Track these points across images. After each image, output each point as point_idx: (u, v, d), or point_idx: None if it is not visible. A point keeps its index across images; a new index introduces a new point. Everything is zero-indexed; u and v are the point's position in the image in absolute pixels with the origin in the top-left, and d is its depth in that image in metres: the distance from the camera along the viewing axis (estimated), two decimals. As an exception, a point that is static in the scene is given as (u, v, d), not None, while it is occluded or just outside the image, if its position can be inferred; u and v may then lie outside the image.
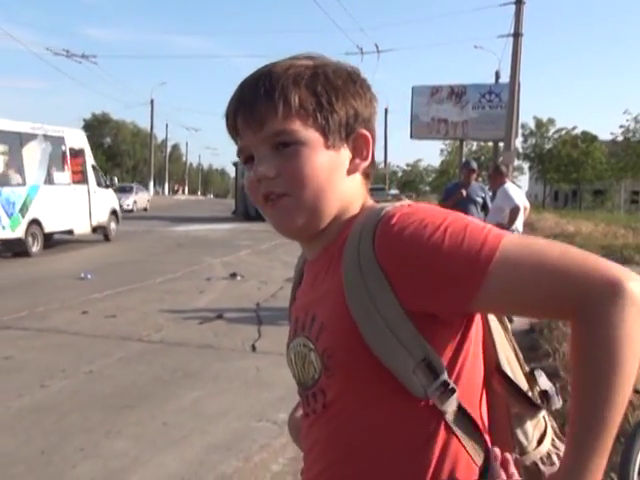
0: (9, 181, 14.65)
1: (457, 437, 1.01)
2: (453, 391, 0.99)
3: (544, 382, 1.10)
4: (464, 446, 1.01)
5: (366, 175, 1.12)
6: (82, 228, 17.48)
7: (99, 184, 18.56)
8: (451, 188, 8.89)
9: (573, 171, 53.45)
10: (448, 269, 0.92)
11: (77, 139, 18.02)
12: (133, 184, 41.28)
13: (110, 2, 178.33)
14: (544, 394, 1.09)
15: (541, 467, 1.07)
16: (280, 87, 1.02)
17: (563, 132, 55.41)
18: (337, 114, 1.05)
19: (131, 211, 32.28)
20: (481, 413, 1.06)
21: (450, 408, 1.00)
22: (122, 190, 30.25)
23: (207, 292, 10.15)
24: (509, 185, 8.33)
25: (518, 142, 47.54)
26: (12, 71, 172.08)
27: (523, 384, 1.09)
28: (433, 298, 0.95)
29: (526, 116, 57.75)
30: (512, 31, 22.99)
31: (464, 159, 31.09)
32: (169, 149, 76.33)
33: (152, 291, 10.20)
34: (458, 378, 1.01)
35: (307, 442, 1.13)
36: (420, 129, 35.63)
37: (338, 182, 1.06)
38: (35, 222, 15.03)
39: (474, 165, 8.69)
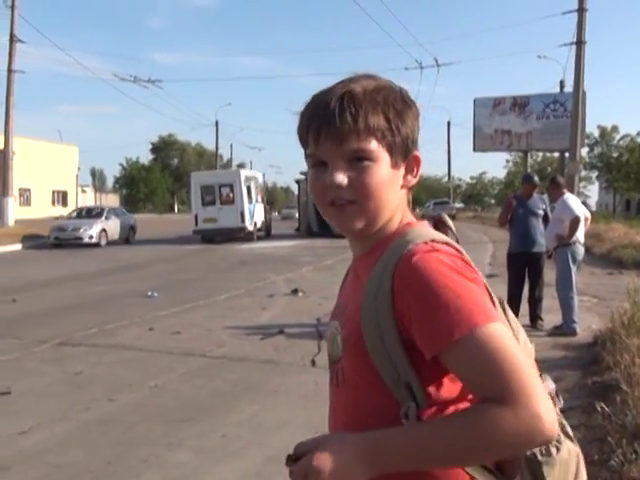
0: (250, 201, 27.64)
1: None
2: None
3: (548, 384, 1.23)
4: None
5: (409, 188, 1.30)
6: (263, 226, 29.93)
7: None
8: (512, 200, 8.84)
9: (644, 179, 51.82)
10: (430, 322, 1.10)
11: (260, 177, 31.76)
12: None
13: (174, 27, 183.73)
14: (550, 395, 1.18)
15: (539, 457, 1.18)
16: (364, 110, 1.18)
17: (628, 139, 53.84)
18: (401, 137, 1.22)
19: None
20: None
21: None
22: None
23: (269, 308, 10.32)
24: (568, 196, 8.24)
25: (584, 151, 46.45)
26: (83, 99, 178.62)
27: None
28: (416, 336, 1.12)
29: (590, 124, 56.43)
30: (575, 39, 22.63)
31: (525, 172, 30.59)
32: (234, 168, 77.49)
33: (215, 308, 10.45)
34: (440, 410, 1.16)
35: (331, 404, 1.35)
36: (483, 141, 35.31)
37: (393, 195, 1.24)
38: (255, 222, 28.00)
39: (536, 179, 8.63)
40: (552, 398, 1.18)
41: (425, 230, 1.25)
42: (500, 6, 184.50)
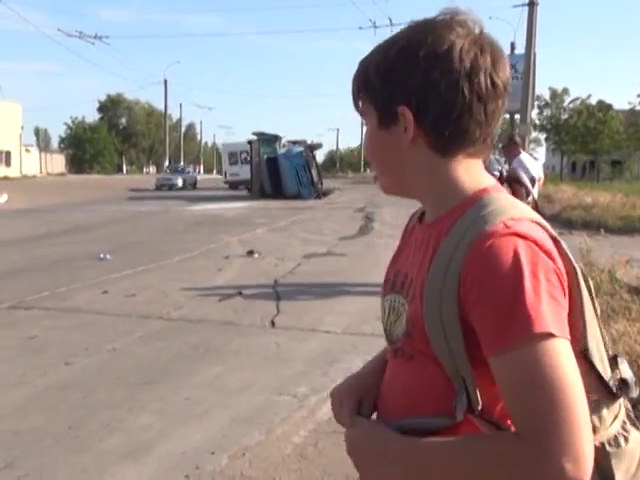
0: None
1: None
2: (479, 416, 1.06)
3: (625, 370, 1.14)
4: None
5: (446, 149, 1.13)
6: None
7: None
8: None
9: (590, 142, 52.84)
10: (489, 323, 1.00)
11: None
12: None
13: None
14: (623, 381, 1.12)
15: (607, 448, 1.09)
16: (356, 74, 1.18)
17: (578, 102, 54.69)
18: (381, 96, 1.14)
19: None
20: None
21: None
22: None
23: (225, 270, 10.24)
24: (524, 156, 8.31)
25: (534, 113, 47.03)
26: (26, 55, 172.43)
27: (606, 372, 1.12)
28: (477, 332, 1.02)
29: (541, 87, 57.06)
30: (527, 0, 22.69)
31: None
32: (184, 129, 76.27)
33: (170, 270, 10.30)
34: (490, 411, 1.06)
35: (389, 374, 1.24)
36: (435, 103, 35.38)
37: (397, 157, 1.15)
38: None
39: None
40: (630, 386, 1.12)
41: (504, 201, 1.10)
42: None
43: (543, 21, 49.28)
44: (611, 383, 1.10)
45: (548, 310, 0.97)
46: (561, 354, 0.97)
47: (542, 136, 61.63)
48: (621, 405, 1.15)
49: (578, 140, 53.19)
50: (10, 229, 16.82)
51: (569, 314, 1.04)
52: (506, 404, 1.01)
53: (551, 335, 0.96)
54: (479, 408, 1.05)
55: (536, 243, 1.02)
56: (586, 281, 1.11)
